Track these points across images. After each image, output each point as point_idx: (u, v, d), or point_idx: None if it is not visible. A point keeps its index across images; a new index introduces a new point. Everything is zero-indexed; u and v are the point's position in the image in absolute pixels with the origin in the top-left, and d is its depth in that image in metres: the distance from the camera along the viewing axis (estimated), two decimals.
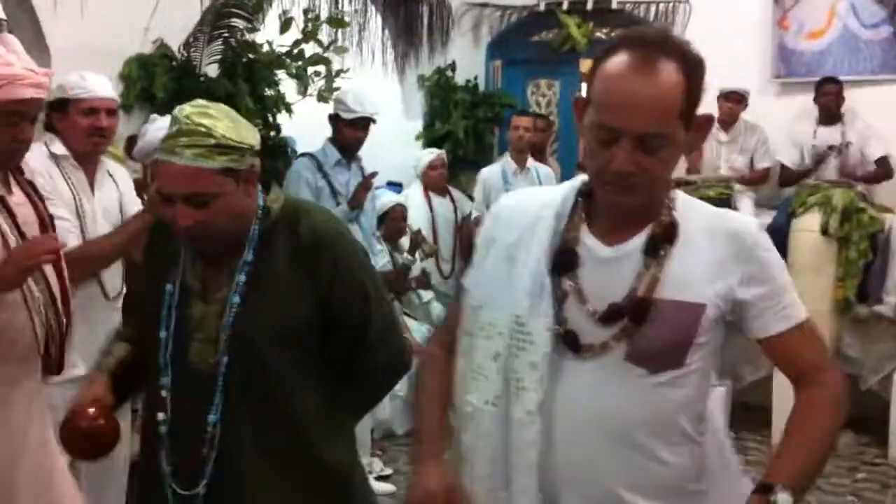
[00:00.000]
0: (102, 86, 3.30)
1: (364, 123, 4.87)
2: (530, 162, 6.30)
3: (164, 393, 2.07)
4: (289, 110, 5.56)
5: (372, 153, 5.06)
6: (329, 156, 4.88)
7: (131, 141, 3.97)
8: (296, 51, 5.61)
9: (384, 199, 5.58)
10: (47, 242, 2.42)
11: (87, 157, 3.27)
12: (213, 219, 1.99)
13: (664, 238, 1.62)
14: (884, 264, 5.50)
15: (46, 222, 2.53)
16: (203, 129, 1.95)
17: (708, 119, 1.67)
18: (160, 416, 2.06)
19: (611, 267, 1.63)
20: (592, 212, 1.68)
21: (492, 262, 1.72)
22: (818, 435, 1.63)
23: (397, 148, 6.86)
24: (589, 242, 1.65)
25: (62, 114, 3.21)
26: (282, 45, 5.65)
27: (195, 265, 2.10)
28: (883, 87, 6.51)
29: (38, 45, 4.45)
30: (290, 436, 2.06)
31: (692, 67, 1.57)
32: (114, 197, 3.37)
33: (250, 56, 5.40)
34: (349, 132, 4.86)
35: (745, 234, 1.66)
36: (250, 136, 2.03)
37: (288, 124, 5.73)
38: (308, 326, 2.07)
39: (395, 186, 6.53)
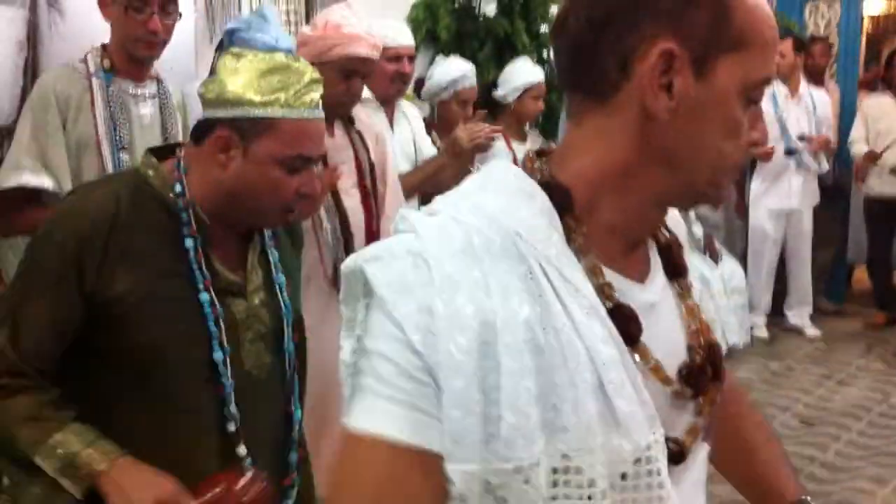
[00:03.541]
0: (405, 34, 3.64)
1: None
2: (804, 87, 6.12)
3: (232, 427, 1.67)
4: None
5: None
6: None
7: (419, 83, 4.29)
8: None
9: None
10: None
11: (388, 100, 3.63)
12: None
13: (674, 253, 1.09)
14: None
15: (364, 168, 2.86)
16: (317, 77, 1.71)
17: None
18: (241, 451, 1.67)
19: (658, 314, 1.01)
20: (584, 231, 0.96)
21: (513, 363, 0.87)
22: (775, 436, 1.30)
23: None
24: (618, 283, 0.97)
25: None
26: None
27: (209, 256, 1.68)
28: None
29: None
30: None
31: None
32: (408, 135, 3.73)
33: None
34: None
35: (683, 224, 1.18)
36: None
37: None
38: None
39: None
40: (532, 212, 0.94)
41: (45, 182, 2.58)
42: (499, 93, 4.57)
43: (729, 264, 6.00)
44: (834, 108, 6.68)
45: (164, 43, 2.72)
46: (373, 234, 2.93)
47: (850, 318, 6.71)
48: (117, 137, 2.64)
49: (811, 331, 6.28)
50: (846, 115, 6.75)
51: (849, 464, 4.24)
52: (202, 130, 1.66)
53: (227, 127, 1.62)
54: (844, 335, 6.34)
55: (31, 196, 2.62)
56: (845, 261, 7.08)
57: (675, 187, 0.97)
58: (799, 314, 6.35)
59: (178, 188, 1.65)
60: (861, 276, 7.14)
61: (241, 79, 1.62)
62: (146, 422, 1.61)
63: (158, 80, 2.81)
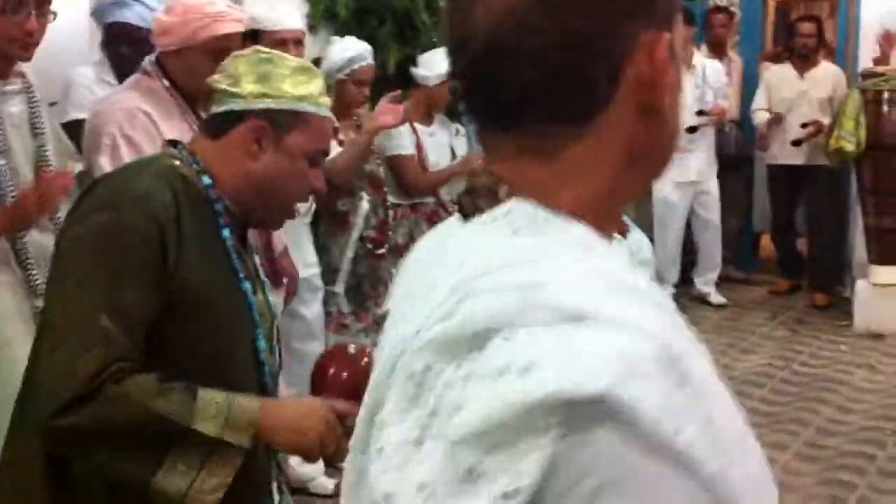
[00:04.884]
0: (291, 16, 3.54)
1: None
2: (697, 58, 6.13)
3: None
4: None
5: None
6: None
7: (316, 63, 4.20)
8: None
9: None
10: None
11: None
12: None
13: None
14: None
15: None
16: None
17: None
18: None
19: None
20: None
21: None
22: None
23: None
24: None
25: (253, 44, 3.47)
26: None
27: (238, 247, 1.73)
28: None
29: None
30: None
31: None
32: None
33: None
34: None
35: None
36: None
37: None
38: None
39: None
40: (619, 261, 0.81)
41: None
42: (420, 73, 4.44)
43: (636, 236, 6.03)
44: (738, 79, 6.76)
45: (38, 44, 2.58)
46: (267, 236, 2.90)
47: (757, 285, 6.83)
48: None
49: (716, 297, 6.38)
50: (750, 86, 6.83)
51: None
52: (226, 122, 1.68)
53: (262, 118, 1.66)
54: (750, 303, 6.47)
55: None
56: (752, 229, 7.21)
57: (652, 177, 0.88)
58: (705, 281, 6.45)
59: (206, 180, 1.67)
60: (768, 244, 7.27)
61: (274, 74, 1.68)
62: None
63: (23, 76, 2.68)
